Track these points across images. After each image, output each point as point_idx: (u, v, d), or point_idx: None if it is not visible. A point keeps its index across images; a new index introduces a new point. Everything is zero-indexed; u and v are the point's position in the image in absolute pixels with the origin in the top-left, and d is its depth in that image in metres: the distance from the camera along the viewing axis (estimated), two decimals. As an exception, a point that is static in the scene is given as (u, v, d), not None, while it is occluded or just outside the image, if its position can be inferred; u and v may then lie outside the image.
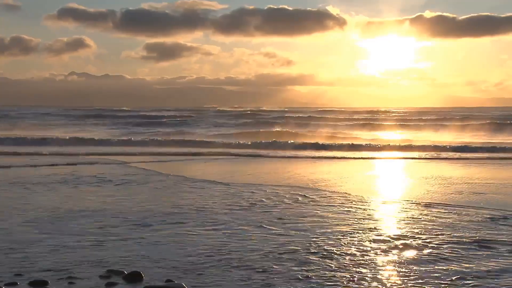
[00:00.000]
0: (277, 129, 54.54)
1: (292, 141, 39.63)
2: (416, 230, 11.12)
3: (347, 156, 30.22)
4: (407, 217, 12.48)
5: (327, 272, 8.38)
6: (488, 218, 12.39)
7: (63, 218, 12.27)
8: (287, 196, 15.42)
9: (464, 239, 10.35)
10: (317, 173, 21.49)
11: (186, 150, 33.11)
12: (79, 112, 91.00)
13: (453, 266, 8.71)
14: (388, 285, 7.88)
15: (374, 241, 10.23)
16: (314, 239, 10.39)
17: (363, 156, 30.41)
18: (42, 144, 36.96)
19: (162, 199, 15.06)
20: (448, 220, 12.17)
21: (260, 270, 8.49)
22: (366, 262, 8.89)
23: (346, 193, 15.99)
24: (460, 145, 36.83)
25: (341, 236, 10.64)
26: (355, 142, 39.48)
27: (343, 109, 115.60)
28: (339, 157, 29.98)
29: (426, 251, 9.55)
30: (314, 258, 9.09)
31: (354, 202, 14.40)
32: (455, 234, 10.77)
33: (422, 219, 12.28)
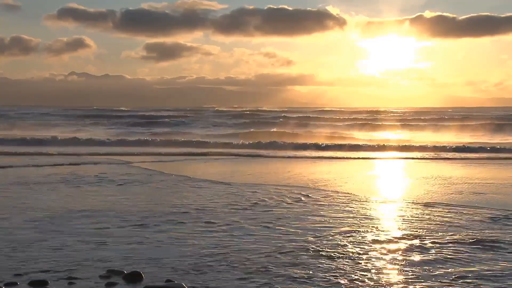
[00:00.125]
0: (274, 129, 54.54)
1: (291, 141, 39.62)
2: (417, 230, 11.11)
3: (347, 156, 30.21)
4: (408, 217, 12.47)
5: (327, 273, 8.37)
6: (489, 218, 12.39)
7: (64, 218, 12.26)
8: (287, 196, 15.41)
9: (466, 239, 10.34)
10: (317, 173, 21.48)
11: (186, 150, 33.10)
12: (79, 112, 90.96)
13: (455, 266, 8.69)
14: (389, 285, 7.86)
15: (375, 241, 10.22)
16: (315, 239, 10.38)
17: (363, 156, 30.39)
18: (43, 144, 36.92)
19: (163, 198, 15.05)
20: (449, 220, 12.16)
21: (261, 270, 8.47)
22: (367, 262, 8.87)
23: (346, 193, 15.98)
24: (460, 145, 36.81)
25: (342, 236, 10.63)
26: (355, 142, 39.50)
27: (343, 109, 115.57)
28: (339, 157, 29.97)
29: (427, 251, 9.53)
30: (314, 259, 9.07)
31: (354, 202, 14.39)
32: (456, 234, 10.76)
33: (423, 219, 12.27)
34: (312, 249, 9.61)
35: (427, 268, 8.59)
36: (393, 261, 8.97)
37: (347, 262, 8.90)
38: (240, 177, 20.23)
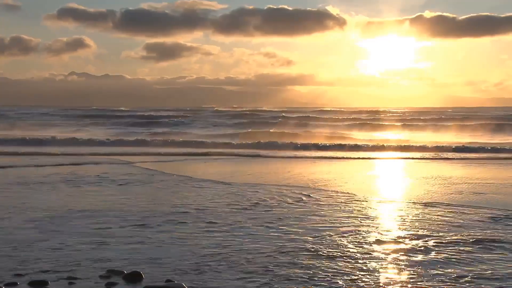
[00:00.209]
0: (274, 130, 54.52)
1: (291, 141, 39.59)
2: (417, 230, 11.10)
3: (347, 156, 30.21)
4: (408, 217, 12.46)
5: (328, 273, 8.36)
6: (489, 218, 12.38)
7: (64, 218, 12.25)
8: (288, 196, 15.40)
9: (466, 239, 10.33)
10: (317, 173, 21.47)
11: (186, 150, 33.08)
12: (79, 112, 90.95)
13: (455, 266, 8.68)
14: (390, 285, 7.85)
15: (376, 241, 10.21)
16: (315, 239, 10.37)
17: (363, 156, 30.39)
18: (43, 144, 36.91)
19: (163, 198, 15.04)
20: (450, 219, 12.15)
21: (261, 270, 8.46)
22: (368, 262, 8.86)
23: (346, 193, 15.97)
24: (460, 145, 36.81)
25: (343, 236, 10.62)
26: (355, 142, 39.47)
27: (343, 109, 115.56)
28: (339, 157, 29.97)
29: (427, 251, 9.53)
30: (315, 259, 9.07)
31: (354, 202, 14.39)
32: (457, 234, 10.75)
33: (423, 218, 12.27)
34: (312, 249, 9.61)
35: (427, 268, 8.58)
36: (393, 261, 8.97)
37: (348, 262, 8.89)
38: (240, 177, 20.22)
